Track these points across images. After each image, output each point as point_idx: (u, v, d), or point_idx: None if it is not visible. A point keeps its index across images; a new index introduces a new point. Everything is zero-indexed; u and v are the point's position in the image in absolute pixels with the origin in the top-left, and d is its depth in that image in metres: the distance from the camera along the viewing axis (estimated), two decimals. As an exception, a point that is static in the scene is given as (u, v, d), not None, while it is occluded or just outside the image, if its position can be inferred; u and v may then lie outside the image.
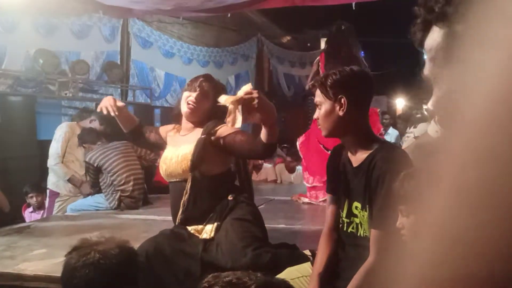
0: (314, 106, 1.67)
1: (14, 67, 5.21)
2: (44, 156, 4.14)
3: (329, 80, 1.60)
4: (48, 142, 4.35)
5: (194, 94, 2.09)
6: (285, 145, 7.57)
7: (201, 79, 2.14)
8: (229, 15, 5.11)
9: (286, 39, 11.04)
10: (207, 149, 2.04)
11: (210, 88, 2.12)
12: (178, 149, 2.10)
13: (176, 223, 2.11)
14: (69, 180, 4.08)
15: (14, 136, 4.10)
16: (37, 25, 5.41)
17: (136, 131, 2.31)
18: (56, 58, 5.40)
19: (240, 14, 7.19)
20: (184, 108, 2.10)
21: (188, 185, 2.03)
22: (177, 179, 2.10)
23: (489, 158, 0.28)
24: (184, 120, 2.17)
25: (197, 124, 2.13)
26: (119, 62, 6.68)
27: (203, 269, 1.84)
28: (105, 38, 6.46)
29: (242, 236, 1.91)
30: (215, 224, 2.01)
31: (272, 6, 4.91)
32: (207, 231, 2.01)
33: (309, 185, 3.89)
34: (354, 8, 4.18)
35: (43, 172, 4.23)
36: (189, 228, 2.06)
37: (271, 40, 10.03)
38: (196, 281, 1.85)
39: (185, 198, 2.04)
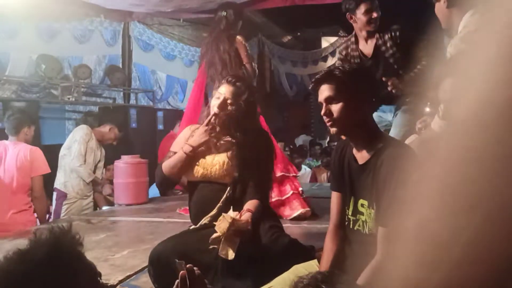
0: (317, 105, 1.64)
1: (17, 73, 5.23)
2: (48, 160, 4.16)
3: (345, 75, 1.55)
4: (52, 146, 4.38)
5: (217, 103, 2.08)
6: (287, 149, 7.58)
7: (224, 84, 2.12)
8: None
9: (287, 38, 11.04)
10: (247, 156, 2.08)
11: (233, 94, 2.09)
12: (218, 156, 2.10)
13: (203, 221, 2.10)
14: (92, 181, 4.17)
15: (19, 141, 4.11)
16: (39, 30, 5.43)
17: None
18: (59, 63, 5.42)
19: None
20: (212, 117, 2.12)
21: (230, 189, 2.06)
22: (215, 183, 2.11)
23: (474, 161, 0.28)
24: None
25: (227, 129, 2.14)
26: (121, 66, 6.71)
27: (224, 263, 1.88)
28: (107, 42, 6.48)
29: (262, 223, 1.99)
30: (235, 212, 2.04)
31: (272, 5, 4.92)
32: (231, 213, 2.03)
33: None
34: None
35: (47, 177, 4.24)
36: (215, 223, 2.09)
37: (272, 40, 10.03)
38: (219, 274, 1.88)
39: (224, 198, 2.05)
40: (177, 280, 1.10)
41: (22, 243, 1.04)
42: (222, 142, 2.14)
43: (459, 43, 1.69)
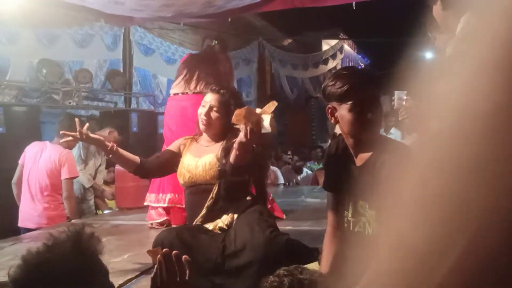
0: (318, 108, 1.64)
1: (18, 78, 5.24)
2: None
3: (376, 78, 1.59)
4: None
5: (204, 111, 2.19)
6: (289, 152, 7.59)
7: (209, 93, 2.24)
8: (229, 19, 5.13)
9: (287, 41, 11.06)
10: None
11: (218, 102, 2.19)
12: (202, 158, 2.19)
13: (195, 223, 2.18)
14: (91, 187, 4.19)
15: (19, 146, 4.11)
16: (40, 35, 5.44)
17: (139, 170, 2.28)
18: (59, 68, 5.43)
19: (241, 19, 7.21)
20: (200, 125, 2.23)
21: (215, 191, 2.13)
22: (201, 186, 2.18)
23: (451, 170, 0.28)
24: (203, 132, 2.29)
25: (216, 136, 2.24)
26: (121, 70, 6.72)
27: (222, 258, 1.93)
28: (107, 47, 6.49)
29: (259, 223, 2.00)
30: (230, 215, 2.10)
31: (272, 9, 4.92)
32: (223, 220, 2.10)
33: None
34: (354, 8, 4.19)
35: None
36: (207, 225, 2.14)
37: (272, 43, 10.05)
38: (217, 268, 1.91)
39: (209, 202, 2.13)
40: (156, 266, 1.07)
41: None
42: (206, 146, 2.24)
43: (458, 43, 1.69)
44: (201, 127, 2.22)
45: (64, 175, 3.66)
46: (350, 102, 1.53)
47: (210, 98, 2.20)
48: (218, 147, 2.20)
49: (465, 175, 0.27)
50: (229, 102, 2.19)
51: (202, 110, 2.20)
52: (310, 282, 0.96)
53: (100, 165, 4.32)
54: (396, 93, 2.36)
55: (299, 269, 1.01)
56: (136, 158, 2.26)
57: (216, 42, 3.64)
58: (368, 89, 1.55)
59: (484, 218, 0.26)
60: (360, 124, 1.54)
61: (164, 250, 1.09)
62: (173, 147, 2.35)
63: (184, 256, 1.08)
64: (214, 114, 2.18)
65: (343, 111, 1.55)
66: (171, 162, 2.29)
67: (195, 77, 3.33)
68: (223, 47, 3.67)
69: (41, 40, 5.47)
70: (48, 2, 4.65)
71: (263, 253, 1.85)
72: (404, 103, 2.39)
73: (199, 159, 2.19)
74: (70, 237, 1.08)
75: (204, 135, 2.27)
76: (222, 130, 2.20)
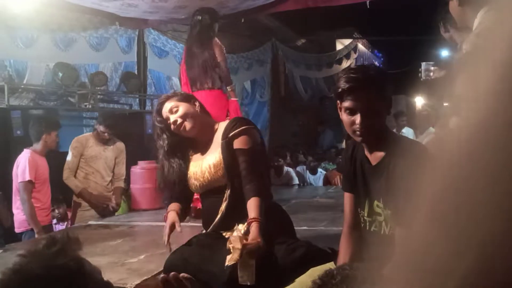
0: (332, 108, 1.62)
1: (35, 81, 5.31)
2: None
3: (380, 78, 1.53)
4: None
5: (172, 117, 2.12)
6: (301, 151, 7.55)
7: (166, 101, 2.19)
8: (242, 20, 5.13)
9: (301, 42, 11.03)
10: (232, 152, 2.05)
11: (185, 107, 2.14)
12: (204, 161, 2.12)
13: (209, 230, 2.12)
14: (78, 194, 4.12)
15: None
16: (56, 39, 5.52)
17: (186, 213, 2.32)
18: (75, 71, 5.49)
19: (253, 20, 7.21)
20: (181, 133, 2.16)
21: (228, 192, 2.05)
22: (214, 189, 2.11)
23: (465, 188, 0.27)
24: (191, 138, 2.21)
25: (202, 135, 2.18)
26: (136, 72, 6.77)
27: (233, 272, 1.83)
28: (122, 49, 6.55)
29: (277, 233, 1.93)
30: (246, 224, 1.99)
31: (285, 9, 4.92)
32: (239, 229, 2.00)
33: None
34: (368, 7, 4.15)
35: (64, 184, 4.29)
36: (223, 233, 2.06)
37: (285, 44, 10.02)
38: (231, 277, 1.82)
39: (223, 205, 2.05)
40: None
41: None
42: (203, 148, 2.16)
43: (475, 39, 1.67)
44: (183, 132, 2.16)
45: (18, 178, 3.82)
46: (344, 102, 1.51)
47: (173, 109, 2.17)
48: (212, 146, 2.14)
49: (484, 182, 0.26)
50: (188, 99, 2.21)
51: (170, 116, 2.16)
52: (342, 277, 0.94)
53: (116, 157, 4.30)
54: (423, 64, 2.28)
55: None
56: (176, 211, 2.17)
57: (200, 18, 3.70)
58: (362, 90, 1.49)
59: (506, 226, 0.25)
60: (353, 125, 1.51)
61: (172, 274, 1.08)
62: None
63: (181, 275, 1.08)
64: (186, 118, 2.13)
65: (342, 110, 1.54)
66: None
67: (191, 77, 3.62)
68: (211, 19, 3.69)
69: (57, 44, 5.54)
70: (64, 6, 4.72)
71: (281, 267, 1.79)
72: (431, 74, 2.31)
73: (202, 164, 2.12)
74: (45, 244, 1.03)
75: (194, 142, 2.21)
76: (201, 126, 2.16)
